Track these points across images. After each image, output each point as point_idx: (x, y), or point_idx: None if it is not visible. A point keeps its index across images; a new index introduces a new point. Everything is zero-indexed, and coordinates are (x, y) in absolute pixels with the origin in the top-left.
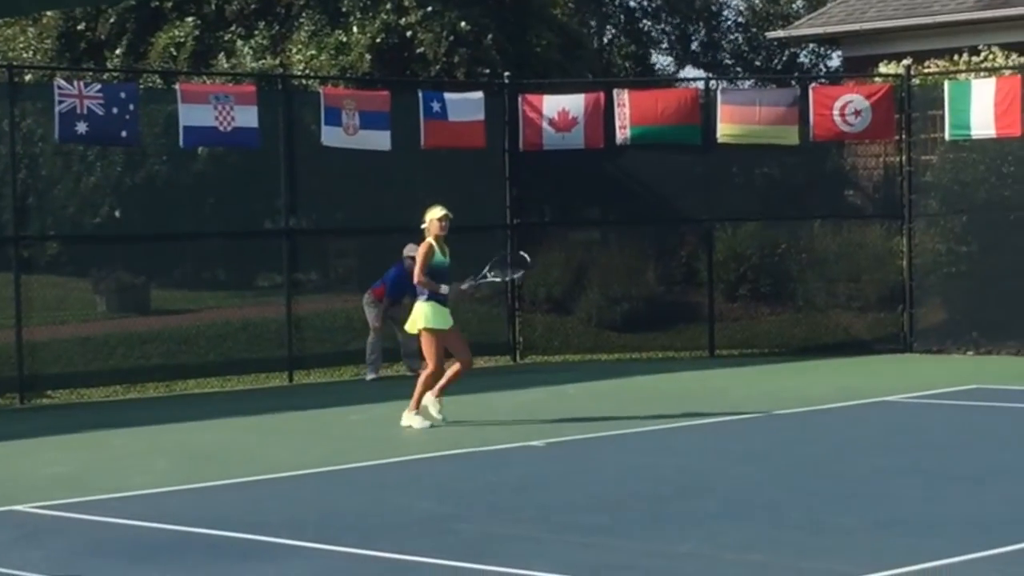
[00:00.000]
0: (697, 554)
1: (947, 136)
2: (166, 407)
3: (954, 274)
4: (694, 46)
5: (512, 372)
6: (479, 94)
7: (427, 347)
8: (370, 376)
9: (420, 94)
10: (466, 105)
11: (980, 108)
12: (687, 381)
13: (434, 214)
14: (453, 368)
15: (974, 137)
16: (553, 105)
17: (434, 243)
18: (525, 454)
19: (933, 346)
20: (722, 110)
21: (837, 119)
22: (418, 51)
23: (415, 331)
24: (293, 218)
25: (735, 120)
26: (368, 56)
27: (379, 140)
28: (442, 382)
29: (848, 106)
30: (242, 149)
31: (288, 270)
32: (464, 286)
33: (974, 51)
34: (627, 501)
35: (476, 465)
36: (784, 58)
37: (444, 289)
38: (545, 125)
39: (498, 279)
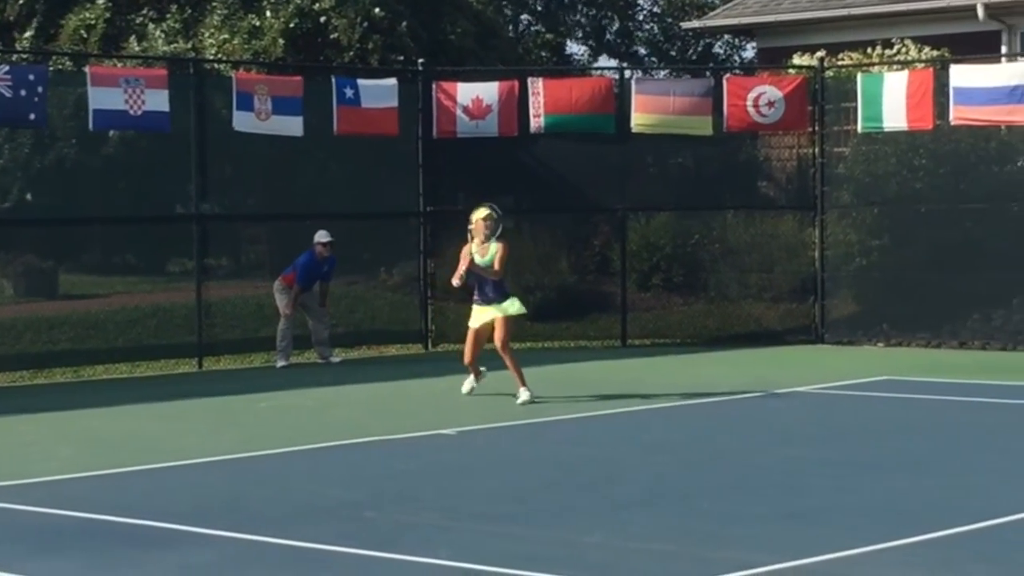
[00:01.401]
0: (606, 544)
1: (859, 128)
2: (73, 393)
3: (865, 266)
4: (609, 35)
5: (424, 360)
6: (393, 81)
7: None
8: (281, 363)
9: (333, 80)
10: (380, 92)
11: (892, 101)
12: (599, 370)
13: (479, 215)
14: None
15: (886, 130)
16: (467, 93)
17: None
18: (436, 442)
19: (844, 337)
20: (636, 100)
21: (751, 110)
22: (332, 37)
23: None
24: (204, 203)
25: (649, 110)
26: (281, 41)
27: (291, 126)
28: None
29: (762, 97)
30: (153, 133)
31: (199, 256)
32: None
33: (887, 44)
34: (537, 490)
35: (386, 453)
36: (699, 49)
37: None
38: (459, 113)
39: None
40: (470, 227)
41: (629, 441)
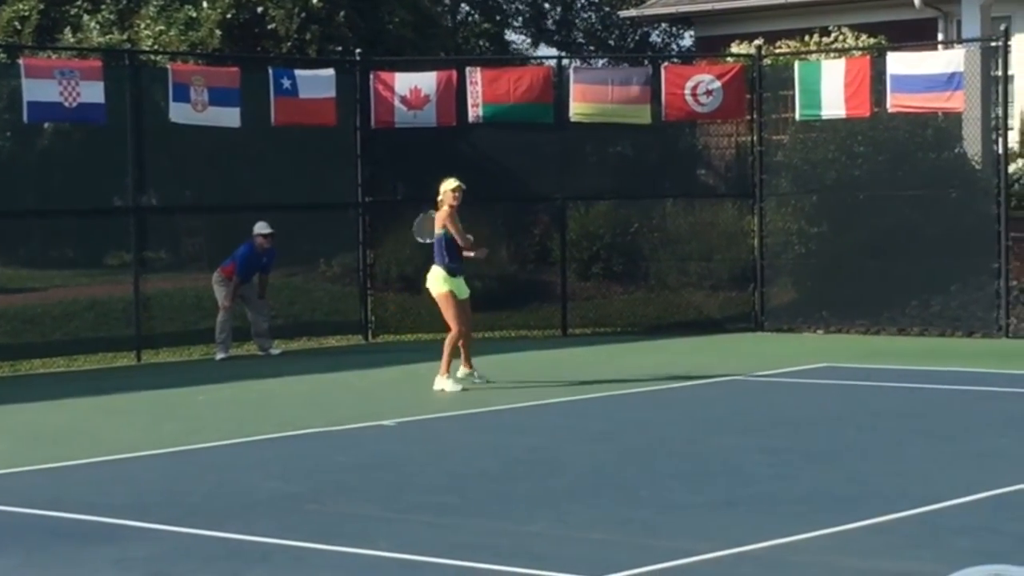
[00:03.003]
0: (546, 533)
1: (798, 116)
2: (10, 387)
3: (804, 254)
4: (548, 24)
5: (364, 351)
6: (330, 71)
7: (446, 310)
8: (220, 356)
9: (271, 71)
10: (317, 82)
11: (830, 89)
12: (539, 360)
13: (448, 185)
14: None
15: (824, 117)
16: (405, 83)
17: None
18: (375, 433)
19: (783, 324)
20: (575, 89)
21: (689, 99)
22: (269, 27)
23: (436, 294)
24: (142, 196)
25: (588, 99)
26: (218, 32)
27: (229, 117)
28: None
29: (700, 86)
30: (88, 125)
31: (137, 248)
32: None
33: (825, 32)
34: (477, 480)
35: (326, 444)
36: (637, 37)
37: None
38: (397, 103)
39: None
40: (439, 198)
41: (570, 430)
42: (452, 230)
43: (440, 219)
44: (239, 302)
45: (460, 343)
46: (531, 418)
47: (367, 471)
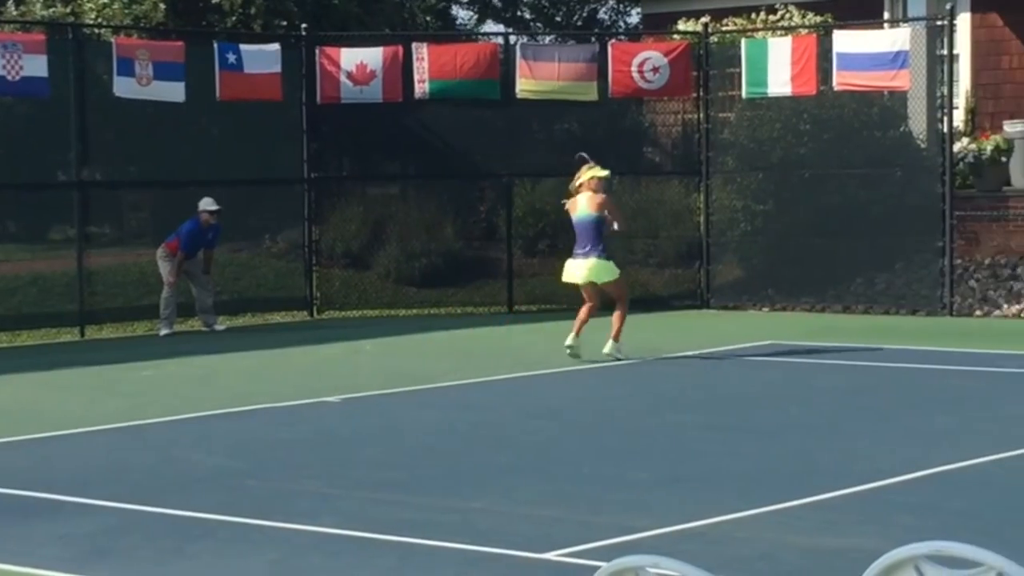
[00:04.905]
0: (491, 509)
1: (744, 94)
2: None
3: (750, 231)
4: (495, 1)
5: (309, 327)
6: (276, 46)
7: (623, 287)
8: (164, 331)
9: (216, 45)
10: (262, 57)
11: (776, 66)
12: (485, 337)
13: (600, 172)
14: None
15: (770, 95)
16: (351, 58)
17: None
18: (320, 410)
19: (729, 302)
20: (521, 65)
21: (635, 76)
22: (214, 2)
23: (614, 279)
24: (85, 170)
25: (534, 76)
26: (162, 6)
27: (173, 91)
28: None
29: (646, 63)
30: (32, 99)
31: (80, 223)
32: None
33: (771, 10)
34: (421, 457)
35: (270, 421)
36: (584, 14)
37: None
38: (343, 78)
39: None
40: (579, 183)
41: (514, 407)
42: (616, 213)
43: (600, 203)
44: (184, 278)
45: (586, 312)
46: (477, 394)
47: (311, 447)
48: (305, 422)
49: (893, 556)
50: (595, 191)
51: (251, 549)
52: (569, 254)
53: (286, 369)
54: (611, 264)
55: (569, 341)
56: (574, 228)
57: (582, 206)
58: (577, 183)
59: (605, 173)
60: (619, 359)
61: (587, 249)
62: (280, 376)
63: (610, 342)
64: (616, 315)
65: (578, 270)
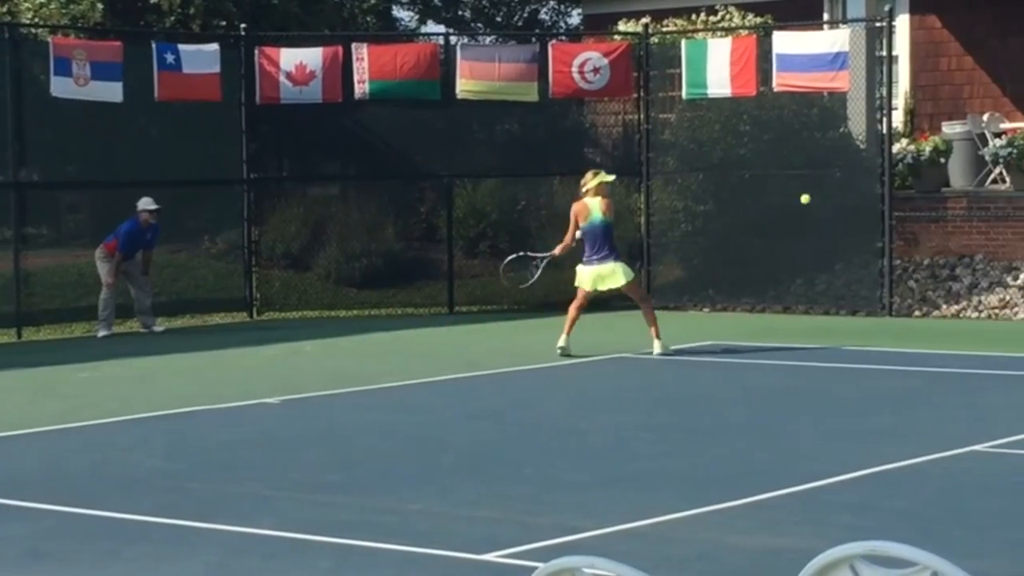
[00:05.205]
0: (429, 511)
1: (684, 95)
2: None
3: (691, 232)
4: (435, 1)
5: (249, 329)
6: (214, 46)
7: (641, 288)
8: (102, 333)
9: (154, 45)
10: (201, 57)
11: (716, 67)
12: (426, 338)
13: (607, 178)
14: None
15: (710, 96)
16: (290, 58)
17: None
18: (260, 411)
19: (670, 302)
20: (461, 66)
21: (576, 76)
22: (152, 2)
23: (633, 281)
24: (23, 170)
25: (475, 76)
26: (100, 6)
27: (111, 92)
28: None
29: (587, 64)
30: None
31: (17, 224)
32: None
33: (711, 11)
34: (361, 458)
35: (209, 423)
36: (524, 15)
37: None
38: (282, 79)
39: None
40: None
41: (455, 408)
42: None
43: (610, 207)
44: (122, 279)
45: (575, 312)
46: (416, 396)
47: (250, 449)
48: (245, 424)
49: (828, 556)
50: (604, 196)
51: (189, 551)
52: (508, 255)
53: (226, 370)
54: (621, 269)
55: (561, 342)
56: (584, 234)
57: (595, 211)
58: (584, 189)
59: (611, 178)
60: (671, 351)
61: (605, 253)
62: (220, 378)
63: (656, 342)
64: (649, 316)
65: (612, 277)
